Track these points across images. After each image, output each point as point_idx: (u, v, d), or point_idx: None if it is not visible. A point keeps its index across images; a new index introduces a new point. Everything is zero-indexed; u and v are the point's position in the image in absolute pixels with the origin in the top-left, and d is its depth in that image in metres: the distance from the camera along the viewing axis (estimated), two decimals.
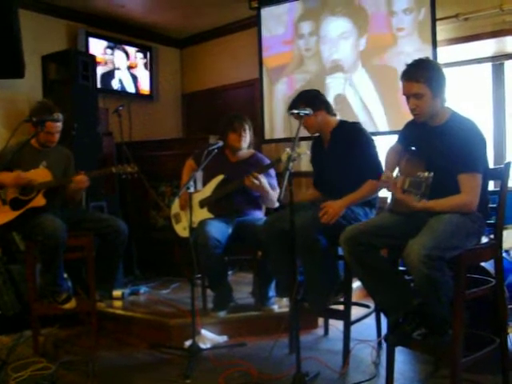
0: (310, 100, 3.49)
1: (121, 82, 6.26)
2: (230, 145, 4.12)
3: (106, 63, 6.10)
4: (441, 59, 4.55)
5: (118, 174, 3.93)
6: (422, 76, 2.69)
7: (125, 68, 6.33)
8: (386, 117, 4.91)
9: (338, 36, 5.21)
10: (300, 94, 3.62)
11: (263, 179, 3.91)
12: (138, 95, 6.49)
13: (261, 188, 3.90)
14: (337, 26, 5.22)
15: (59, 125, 3.87)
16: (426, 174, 2.48)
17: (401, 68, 2.82)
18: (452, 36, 4.76)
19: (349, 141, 3.43)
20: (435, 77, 2.70)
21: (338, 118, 3.63)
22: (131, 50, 6.41)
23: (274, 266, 3.64)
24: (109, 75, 6.15)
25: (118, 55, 6.26)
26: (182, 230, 4.20)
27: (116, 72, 6.23)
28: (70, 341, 3.91)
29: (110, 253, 4.02)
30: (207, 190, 4.14)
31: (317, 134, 3.66)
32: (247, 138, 4.13)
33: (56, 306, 3.79)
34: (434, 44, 4.55)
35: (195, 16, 6.20)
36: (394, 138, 3.16)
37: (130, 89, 6.38)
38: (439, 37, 4.60)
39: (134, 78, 6.43)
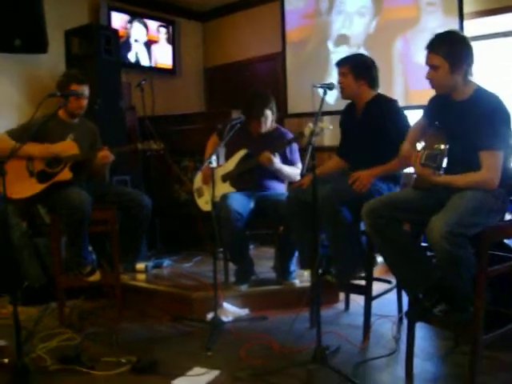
0: (357, 65, 3.47)
1: (137, 54, 6.24)
2: (251, 127, 4.11)
3: (127, 37, 6.09)
4: (468, 32, 4.46)
5: (143, 150, 3.95)
6: (441, 49, 2.67)
7: (143, 41, 6.30)
8: None
9: (355, 11, 5.17)
10: (352, 56, 3.65)
11: (276, 159, 3.90)
12: (159, 69, 6.48)
13: (274, 167, 3.92)
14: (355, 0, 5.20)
15: (86, 89, 3.89)
16: (442, 146, 2.47)
17: (424, 43, 2.79)
18: (480, 8, 4.65)
19: (382, 115, 3.39)
20: (456, 51, 2.66)
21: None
22: (153, 24, 6.39)
23: (296, 239, 3.65)
24: (125, 48, 6.09)
25: (137, 27, 6.22)
26: (204, 203, 4.23)
27: (133, 45, 6.20)
28: (94, 312, 3.97)
29: (133, 226, 4.06)
30: (230, 165, 4.15)
31: (349, 101, 3.64)
32: (268, 121, 4.10)
33: (81, 278, 3.86)
34: (461, 17, 4.46)
35: None
36: None
37: (146, 62, 6.33)
38: (466, 9, 4.51)
39: (151, 52, 6.39)
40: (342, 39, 5.30)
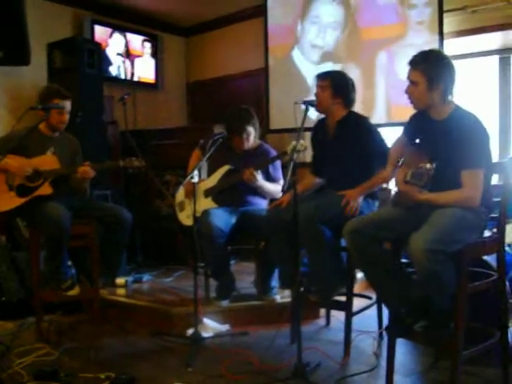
0: (338, 82, 3.48)
1: (119, 68, 6.23)
2: (234, 143, 4.12)
3: (110, 50, 6.09)
4: (447, 51, 4.53)
5: (124, 167, 3.92)
6: (421, 65, 2.72)
7: (126, 55, 6.30)
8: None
9: (328, 23, 5.28)
10: (335, 72, 3.65)
11: (258, 176, 3.91)
12: (142, 83, 6.48)
13: (256, 184, 3.92)
14: (329, 13, 5.29)
15: (68, 104, 3.86)
16: (428, 165, 2.50)
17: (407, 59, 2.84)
18: (459, 28, 4.73)
19: (354, 133, 3.42)
20: (436, 69, 2.70)
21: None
22: (137, 38, 6.40)
23: (276, 256, 3.65)
24: (108, 61, 6.08)
25: (119, 41, 6.22)
26: (185, 218, 4.21)
27: (116, 58, 6.20)
28: (72, 327, 3.93)
29: (113, 241, 4.03)
30: (213, 180, 4.15)
31: (322, 117, 3.65)
32: (251, 138, 4.09)
33: (59, 293, 3.82)
34: (441, 36, 4.52)
35: (201, 4, 6.18)
36: None
37: (128, 76, 6.33)
38: (446, 29, 4.58)
39: (134, 66, 6.40)
40: (327, 56, 5.34)
